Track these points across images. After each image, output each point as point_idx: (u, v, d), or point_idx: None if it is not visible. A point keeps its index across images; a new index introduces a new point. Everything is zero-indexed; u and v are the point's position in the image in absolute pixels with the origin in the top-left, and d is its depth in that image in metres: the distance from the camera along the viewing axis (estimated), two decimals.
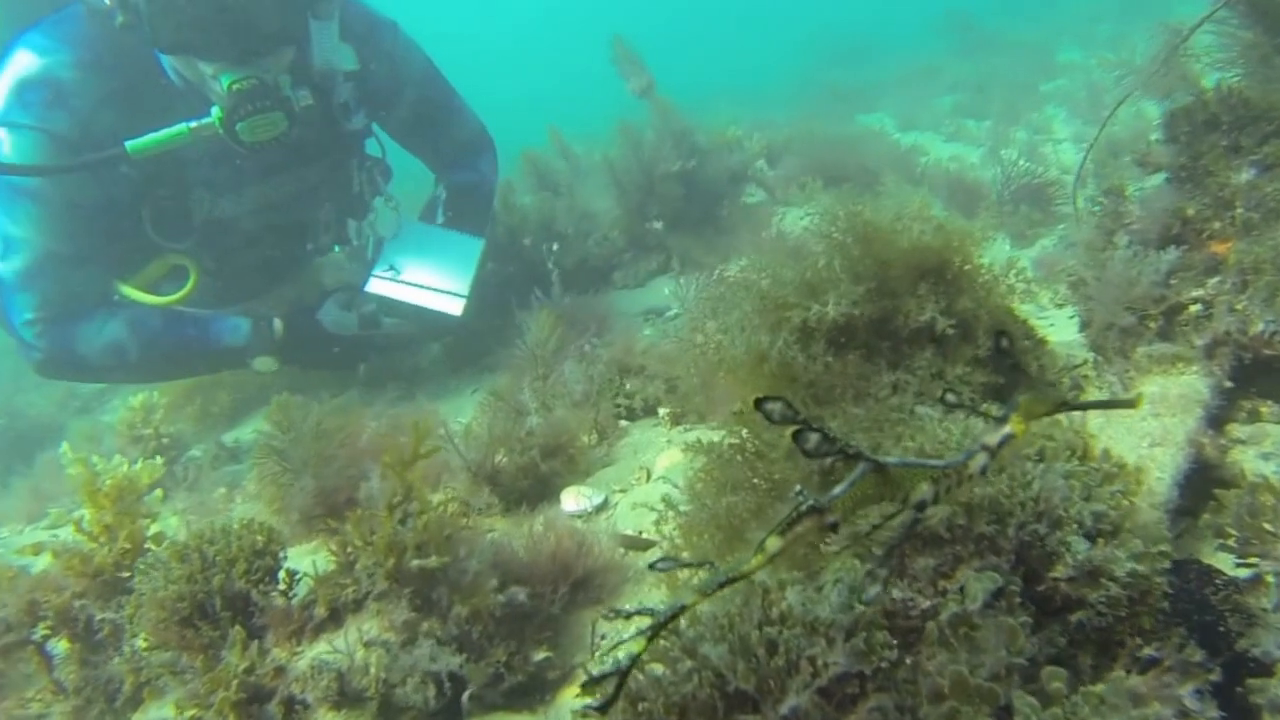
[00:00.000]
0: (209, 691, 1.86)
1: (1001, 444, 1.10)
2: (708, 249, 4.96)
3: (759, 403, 0.98)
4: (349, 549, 2.04)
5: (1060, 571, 1.38)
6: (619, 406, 3.40)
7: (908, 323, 1.90)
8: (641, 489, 2.84)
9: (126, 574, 2.26)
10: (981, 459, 1.09)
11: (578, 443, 3.07)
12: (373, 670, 1.89)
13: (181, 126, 3.12)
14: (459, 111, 4.39)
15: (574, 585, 2.24)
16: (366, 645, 1.95)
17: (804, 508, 1.01)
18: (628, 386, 3.44)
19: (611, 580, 2.35)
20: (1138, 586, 1.39)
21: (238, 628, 1.95)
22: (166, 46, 3.04)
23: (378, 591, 1.96)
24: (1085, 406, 1.18)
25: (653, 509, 2.37)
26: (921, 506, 1.07)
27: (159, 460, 2.72)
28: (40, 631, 2.23)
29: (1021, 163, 5.53)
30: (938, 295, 1.90)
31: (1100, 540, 1.40)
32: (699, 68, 15.82)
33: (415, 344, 4.29)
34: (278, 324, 3.65)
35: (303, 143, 3.50)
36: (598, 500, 2.80)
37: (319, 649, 2.01)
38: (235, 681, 1.85)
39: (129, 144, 3.09)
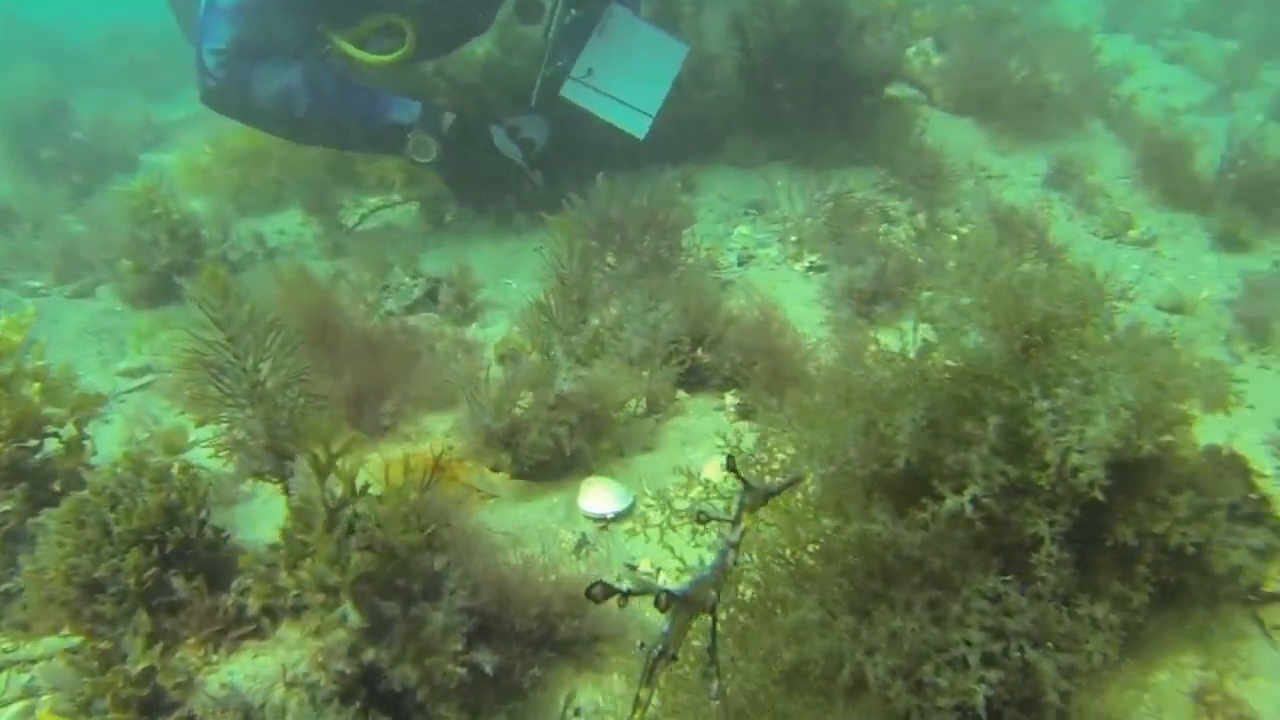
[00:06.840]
0: (92, 695, 1.54)
1: (740, 536, 1.52)
2: (834, 147, 4.30)
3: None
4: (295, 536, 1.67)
5: None
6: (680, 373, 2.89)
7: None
8: (679, 503, 2.08)
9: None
10: (732, 554, 1.50)
11: (617, 412, 2.67)
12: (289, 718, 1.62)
13: None
14: None
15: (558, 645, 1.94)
16: (289, 685, 1.67)
17: (654, 656, 1.32)
18: (700, 355, 2.92)
19: (604, 633, 2.00)
20: None
21: (143, 615, 1.63)
22: None
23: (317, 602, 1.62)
24: (779, 489, 1.65)
25: (681, 560, 1.87)
26: (713, 607, 1.45)
27: (30, 309, 2.46)
28: None
29: (1266, 123, 4.08)
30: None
31: None
32: None
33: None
34: (449, 115, 3.80)
35: None
36: (622, 505, 2.47)
37: (240, 663, 1.71)
38: (127, 689, 1.52)
39: None
